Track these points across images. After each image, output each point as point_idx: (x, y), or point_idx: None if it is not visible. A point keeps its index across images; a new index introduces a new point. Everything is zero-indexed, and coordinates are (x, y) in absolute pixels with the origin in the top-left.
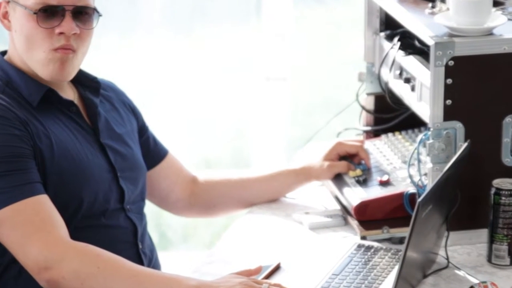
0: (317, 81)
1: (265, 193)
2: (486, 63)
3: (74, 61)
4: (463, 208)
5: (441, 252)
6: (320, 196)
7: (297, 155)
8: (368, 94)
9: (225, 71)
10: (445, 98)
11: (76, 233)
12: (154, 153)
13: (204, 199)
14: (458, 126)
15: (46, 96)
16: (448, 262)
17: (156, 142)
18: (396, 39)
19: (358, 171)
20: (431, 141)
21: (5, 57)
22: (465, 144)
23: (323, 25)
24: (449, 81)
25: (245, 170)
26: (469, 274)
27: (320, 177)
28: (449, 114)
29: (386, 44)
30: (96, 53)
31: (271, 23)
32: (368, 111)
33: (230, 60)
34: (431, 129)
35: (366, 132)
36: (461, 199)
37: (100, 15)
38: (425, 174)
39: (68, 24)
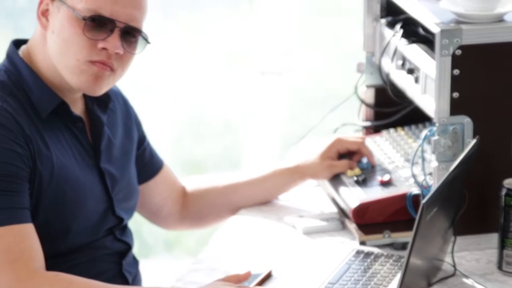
0: (314, 74)
1: (256, 196)
2: (496, 52)
3: (110, 80)
4: (471, 211)
5: (448, 258)
6: (315, 197)
7: (290, 153)
8: (368, 86)
9: (216, 65)
10: (452, 91)
11: (58, 257)
12: (149, 167)
13: (194, 211)
14: (466, 121)
15: (55, 108)
16: (455, 269)
17: (152, 154)
18: (398, 26)
19: (357, 170)
20: (436, 137)
21: (21, 52)
22: (474, 141)
23: (320, 14)
24: (456, 72)
25: (236, 169)
26: (477, 283)
27: (316, 175)
28: (456, 108)
29: (388, 32)
30: None
31: (264, 12)
32: (367, 105)
33: (221, 52)
34: (437, 124)
35: (366, 127)
36: (469, 200)
37: (148, 43)
38: (430, 174)
39: (114, 42)
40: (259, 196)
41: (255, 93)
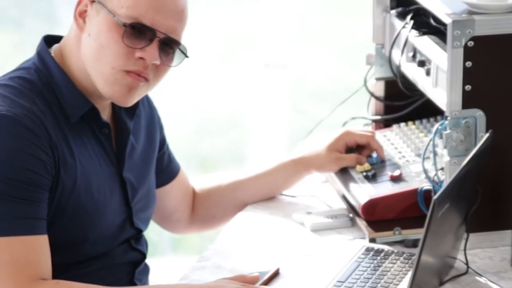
0: (321, 67)
1: (262, 191)
2: (511, 44)
3: (142, 91)
4: (484, 207)
5: (460, 256)
6: (323, 193)
7: (297, 148)
8: (378, 79)
9: (219, 57)
10: (464, 83)
11: (70, 265)
12: (167, 171)
13: (202, 213)
14: (478, 115)
15: (84, 113)
16: (468, 267)
17: (170, 159)
18: (409, 17)
19: (367, 165)
20: (448, 131)
21: (53, 52)
22: (487, 135)
23: (328, 4)
24: (469, 64)
25: (242, 165)
26: (491, 281)
27: (322, 167)
28: (468, 101)
29: (398, 23)
30: None
31: (269, 3)
32: (377, 98)
33: (224, 45)
34: (449, 118)
35: (375, 121)
36: (482, 196)
37: (187, 57)
38: (442, 169)
39: (152, 52)
40: (265, 190)
41: (260, 86)
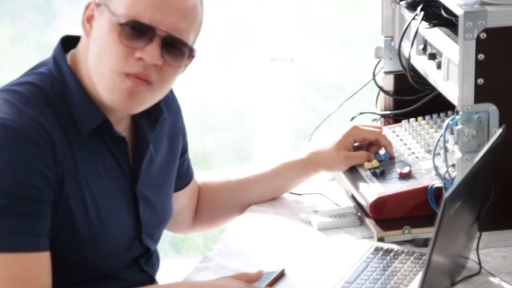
0: (329, 60)
1: (268, 192)
2: None
3: (146, 95)
4: (497, 205)
5: (472, 256)
6: (330, 191)
7: (304, 144)
8: (387, 72)
9: (223, 51)
10: (476, 77)
11: (72, 285)
12: (183, 178)
13: (205, 214)
14: (491, 109)
15: (97, 126)
16: (481, 267)
17: (188, 166)
18: (419, 8)
19: (375, 162)
20: (460, 126)
21: (70, 58)
22: (500, 130)
23: None
24: (481, 56)
25: (247, 162)
26: (504, 281)
27: (332, 167)
28: (481, 95)
29: (408, 15)
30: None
31: None
32: (386, 92)
33: (229, 38)
34: (460, 112)
35: (384, 117)
36: (495, 194)
37: (193, 56)
38: (453, 165)
39: (152, 51)
40: (271, 191)
41: (266, 81)
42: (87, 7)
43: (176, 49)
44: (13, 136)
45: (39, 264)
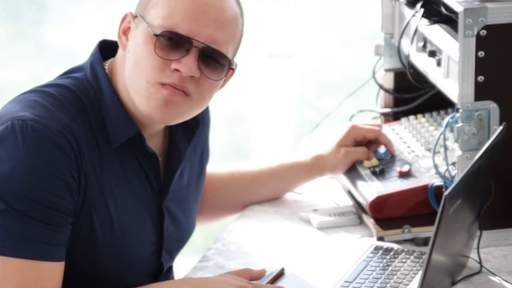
0: (328, 57)
1: (271, 194)
2: None
3: (184, 107)
4: (498, 203)
5: (473, 255)
6: (330, 190)
7: (303, 142)
8: (387, 70)
9: None
10: (477, 74)
11: None
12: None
13: (207, 213)
14: (491, 107)
15: (129, 140)
16: (481, 266)
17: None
18: (419, 5)
19: (374, 161)
20: (460, 124)
21: (108, 67)
22: (500, 128)
23: None
24: (481, 54)
25: (245, 160)
26: (505, 281)
27: (335, 169)
28: (481, 92)
29: (407, 12)
30: (70, 27)
31: None
32: (386, 90)
33: None
34: (460, 110)
35: (384, 114)
36: (495, 192)
37: (232, 69)
38: (453, 164)
39: (189, 63)
40: (274, 193)
41: (264, 78)
42: (124, 19)
43: (214, 61)
44: (40, 139)
45: (52, 274)
